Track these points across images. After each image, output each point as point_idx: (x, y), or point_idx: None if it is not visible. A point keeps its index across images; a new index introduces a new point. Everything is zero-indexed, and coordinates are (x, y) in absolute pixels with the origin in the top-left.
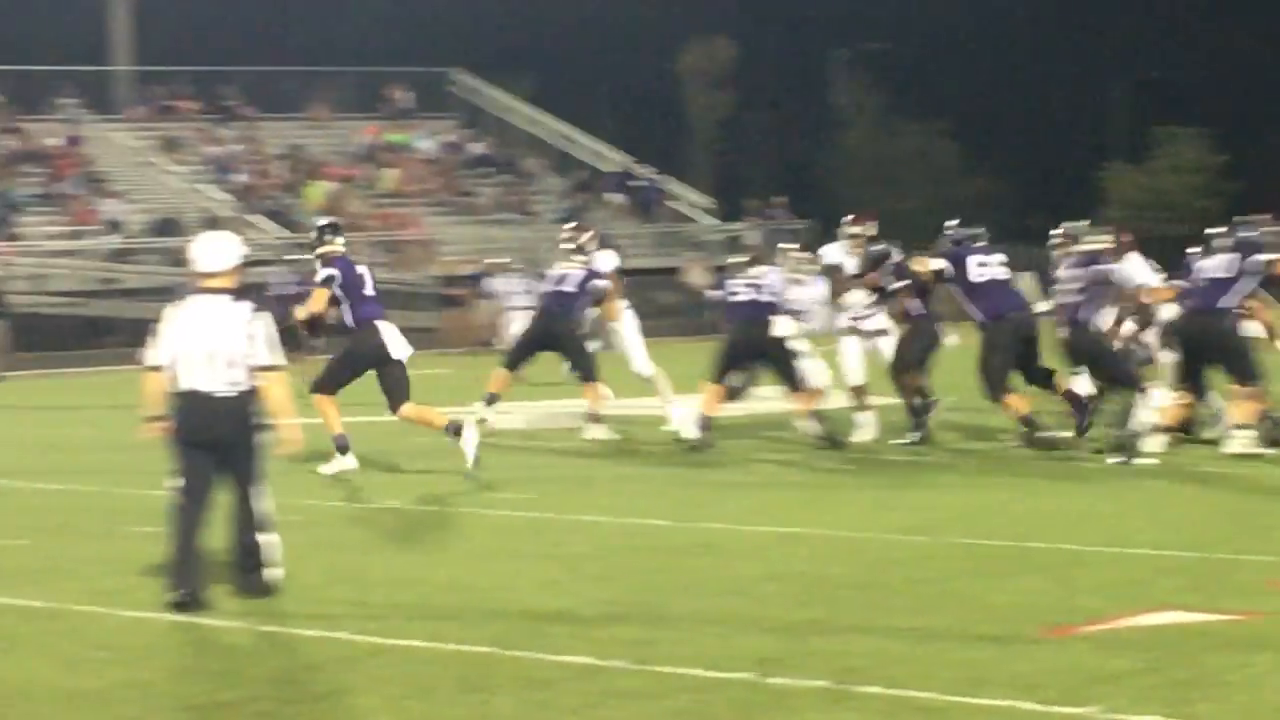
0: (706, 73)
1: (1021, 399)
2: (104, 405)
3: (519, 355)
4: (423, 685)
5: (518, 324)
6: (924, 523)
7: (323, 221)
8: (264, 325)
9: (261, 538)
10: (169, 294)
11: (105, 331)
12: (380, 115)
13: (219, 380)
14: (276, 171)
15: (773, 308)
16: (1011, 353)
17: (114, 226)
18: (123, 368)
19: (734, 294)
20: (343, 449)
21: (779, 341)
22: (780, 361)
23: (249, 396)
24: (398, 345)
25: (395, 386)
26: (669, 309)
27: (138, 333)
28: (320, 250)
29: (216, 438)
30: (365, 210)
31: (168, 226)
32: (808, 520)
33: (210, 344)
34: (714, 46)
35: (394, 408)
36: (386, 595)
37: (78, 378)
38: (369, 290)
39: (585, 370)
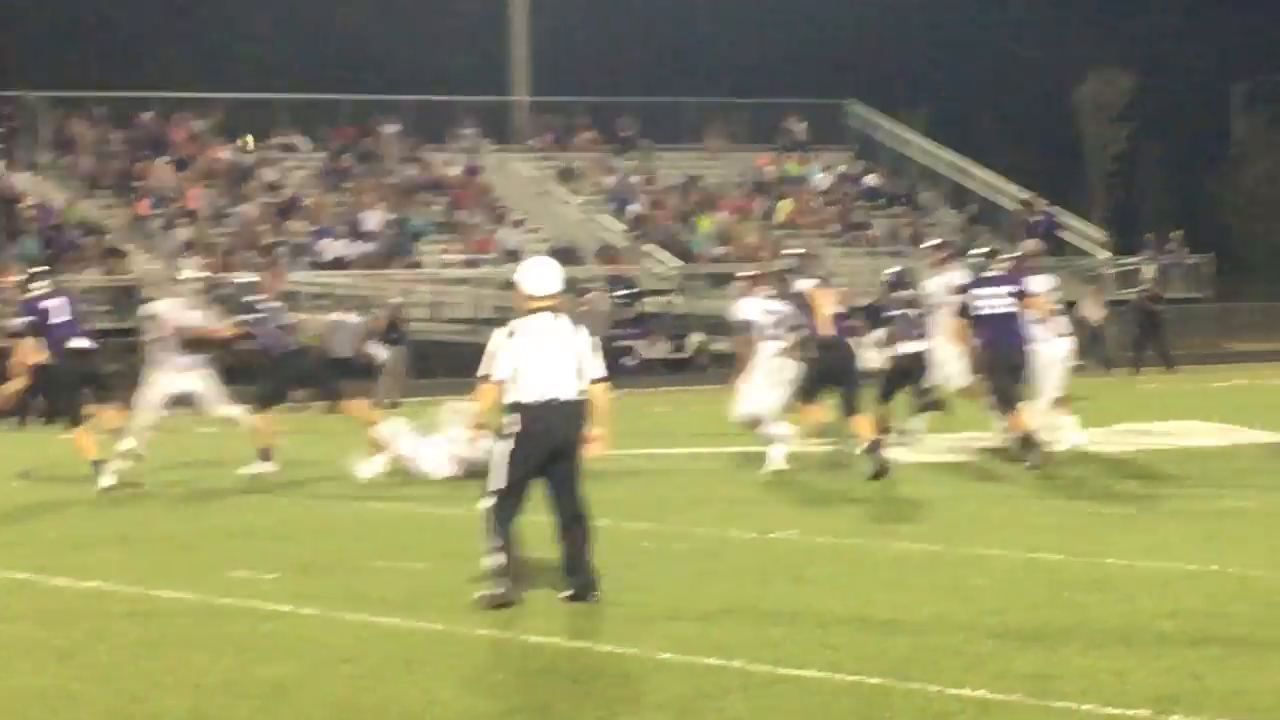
0: (1103, 105)
1: None
2: None
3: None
4: (821, 715)
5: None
6: None
7: None
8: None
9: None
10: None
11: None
12: (776, 146)
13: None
14: (672, 202)
15: None
16: None
17: (511, 255)
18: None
19: None
20: None
21: None
22: None
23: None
24: None
25: None
26: None
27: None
28: None
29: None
30: (759, 241)
31: (564, 255)
32: (1207, 557)
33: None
34: (1110, 79)
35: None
36: (783, 625)
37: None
38: None
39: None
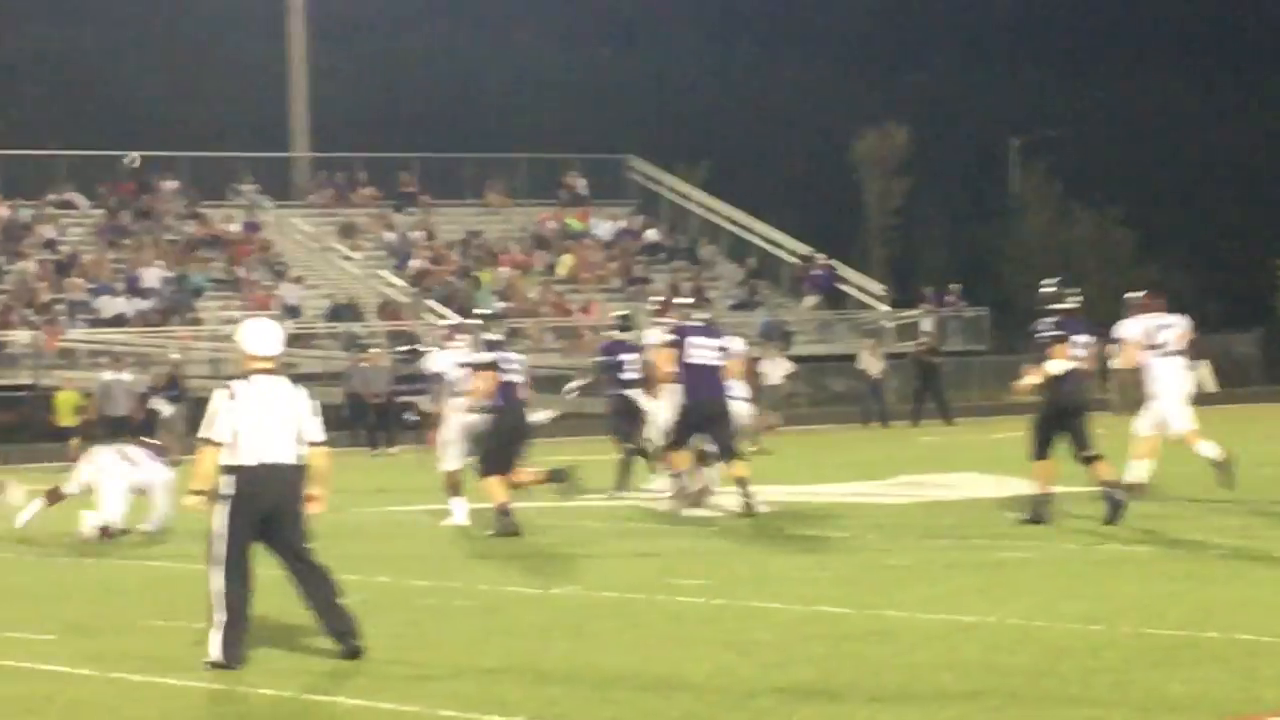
0: (881, 160)
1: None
2: None
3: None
4: None
5: None
6: (1100, 612)
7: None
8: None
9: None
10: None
11: None
12: (557, 202)
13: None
14: (453, 257)
15: None
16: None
17: (292, 311)
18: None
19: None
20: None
21: None
22: None
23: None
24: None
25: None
26: (842, 396)
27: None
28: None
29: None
30: (541, 297)
31: (346, 311)
32: (984, 609)
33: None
34: (889, 133)
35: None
36: (564, 681)
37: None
38: None
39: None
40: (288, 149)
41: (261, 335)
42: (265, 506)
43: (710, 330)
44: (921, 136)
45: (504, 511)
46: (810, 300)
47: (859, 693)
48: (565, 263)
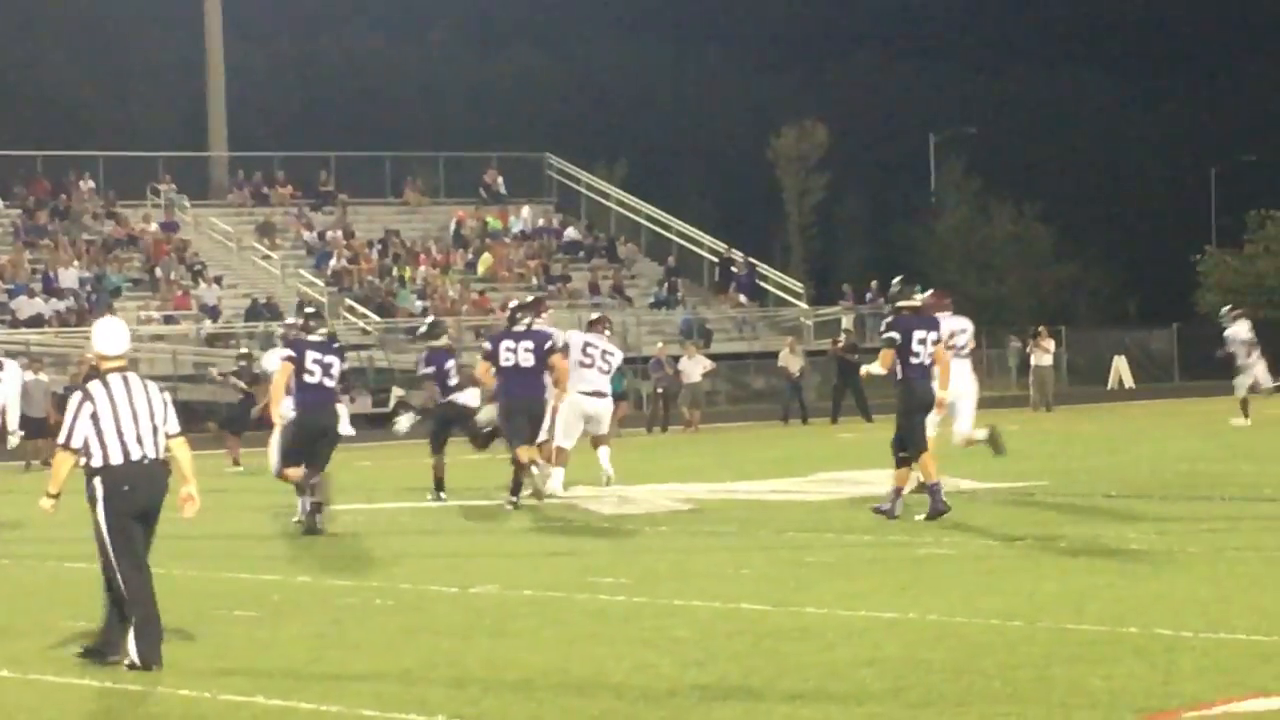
0: (801, 156)
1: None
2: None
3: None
4: None
5: None
6: (1021, 607)
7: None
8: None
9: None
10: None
11: (199, 416)
12: (475, 200)
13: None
14: (372, 256)
15: None
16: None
17: (210, 311)
18: (215, 452)
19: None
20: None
21: None
22: None
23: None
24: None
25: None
26: (762, 393)
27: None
28: None
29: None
30: (460, 295)
31: (264, 310)
32: (905, 605)
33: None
34: (808, 130)
35: None
36: (484, 681)
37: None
38: None
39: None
40: (205, 148)
41: (109, 335)
42: (140, 502)
43: (527, 334)
44: (840, 133)
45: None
46: (737, 298)
47: (779, 690)
48: (484, 261)
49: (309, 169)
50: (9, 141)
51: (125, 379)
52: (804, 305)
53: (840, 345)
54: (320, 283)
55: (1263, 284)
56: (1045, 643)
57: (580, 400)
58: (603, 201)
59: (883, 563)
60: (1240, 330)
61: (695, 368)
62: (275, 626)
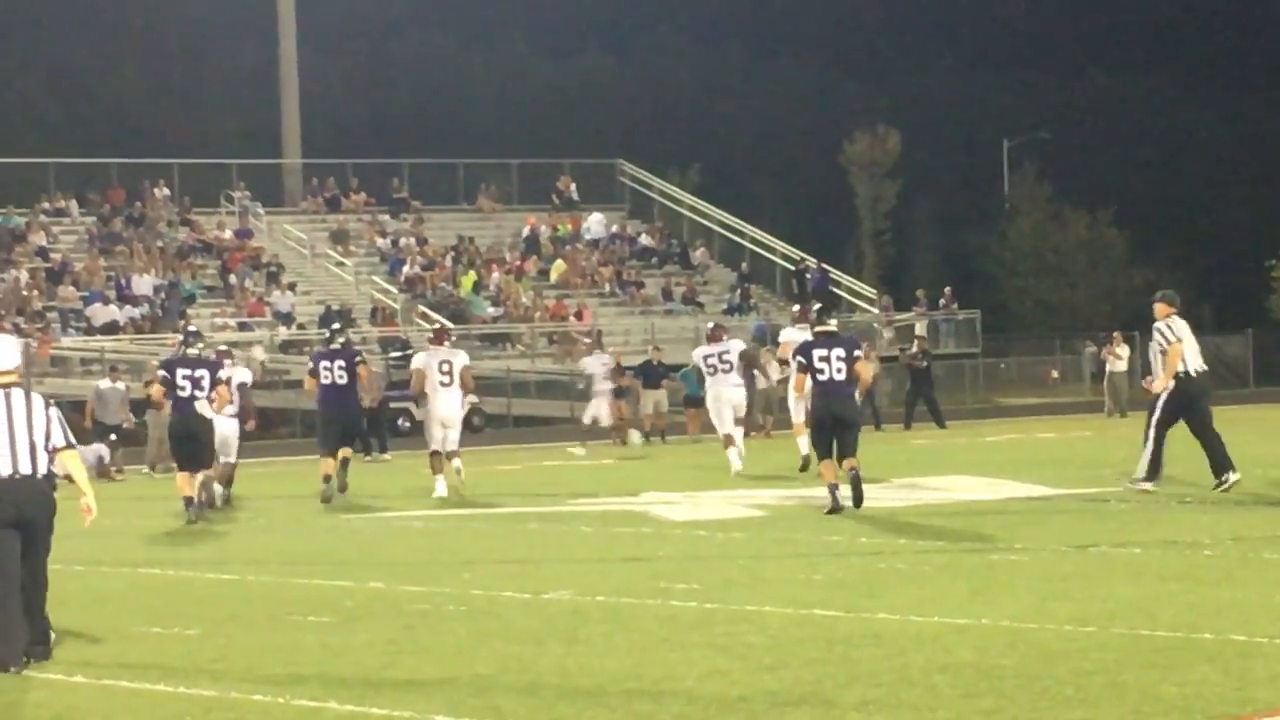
0: (873, 163)
1: None
2: (273, 495)
3: None
4: None
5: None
6: (1094, 613)
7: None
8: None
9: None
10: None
11: (274, 423)
12: (548, 206)
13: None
14: (444, 263)
15: None
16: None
17: (284, 318)
18: (292, 458)
19: None
20: None
21: None
22: None
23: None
24: None
25: None
26: None
27: (307, 424)
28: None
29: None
30: (534, 301)
31: (338, 317)
32: (977, 611)
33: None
34: (880, 136)
35: None
36: (557, 687)
37: (246, 468)
38: None
39: None
40: (279, 156)
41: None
42: (11, 516)
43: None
44: (913, 139)
45: (188, 501)
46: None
47: (851, 696)
48: (557, 268)
49: (382, 176)
50: (85, 149)
51: (8, 394)
52: (877, 311)
53: (910, 354)
54: (393, 289)
55: None
56: (1118, 649)
57: (727, 394)
58: (675, 208)
59: (955, 569)
60: None
61: (771, 373)
62: (348, 632)
